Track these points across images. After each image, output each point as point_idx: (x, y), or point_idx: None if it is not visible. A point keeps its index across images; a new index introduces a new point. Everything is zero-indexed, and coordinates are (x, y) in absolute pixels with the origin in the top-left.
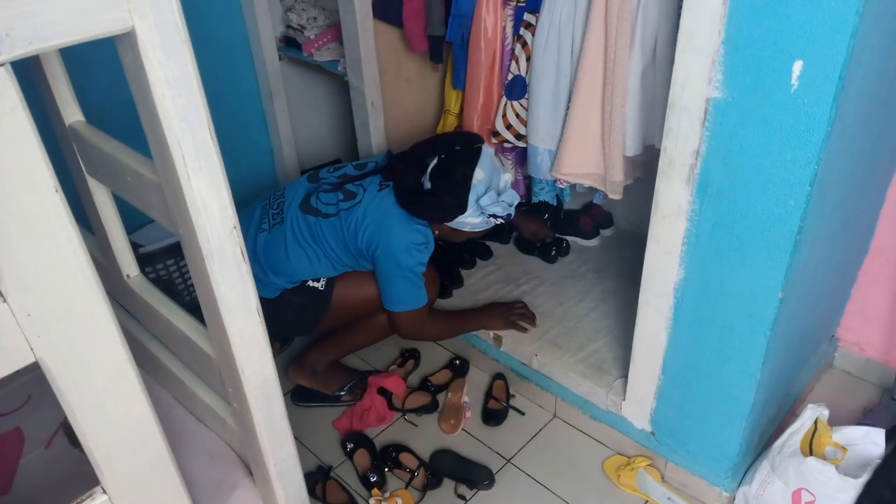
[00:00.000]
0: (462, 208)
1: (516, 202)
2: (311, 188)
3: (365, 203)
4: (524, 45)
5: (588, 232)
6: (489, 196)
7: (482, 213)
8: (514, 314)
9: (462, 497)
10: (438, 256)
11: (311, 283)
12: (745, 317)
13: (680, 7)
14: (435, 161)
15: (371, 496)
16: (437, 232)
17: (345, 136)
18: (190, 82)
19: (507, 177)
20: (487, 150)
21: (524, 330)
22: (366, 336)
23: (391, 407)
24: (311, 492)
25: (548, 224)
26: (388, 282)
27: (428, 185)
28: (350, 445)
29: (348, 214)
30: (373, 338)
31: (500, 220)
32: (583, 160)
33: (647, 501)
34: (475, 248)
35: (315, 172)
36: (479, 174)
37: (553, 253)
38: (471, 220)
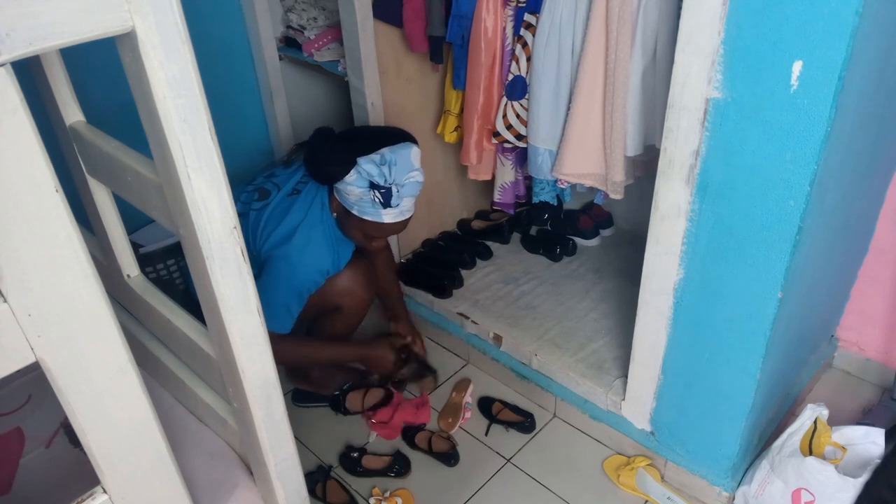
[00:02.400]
0: (345, 167)
1: (409, 194)
2: (239, 191)
3: (272, 205)
4: (524, 45)
5: (588, 232)
6: (369, 159)
7: (360, 174)
8: (399, 369)
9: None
10: (438, 256)
11: None
12: (745, 317)
13: (680, 7)
14: (354, 137)
15: (371, 495)
16: (338, 218)
17: None
18: (190, 82)
19: (414, 174)
20: (409, 145)
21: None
22: (342, 327)
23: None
24: (312, 491)
25: (408, 343)
26: (265, 290)
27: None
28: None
29: (257, 215)
30: (348, 326)
31: (378, 195)
32: (583, 160)
33: (646, 501)
34: (475, 248)
35: (254, 176)
36: (383, 151)
37: (559, 251)
38: (353, 189)
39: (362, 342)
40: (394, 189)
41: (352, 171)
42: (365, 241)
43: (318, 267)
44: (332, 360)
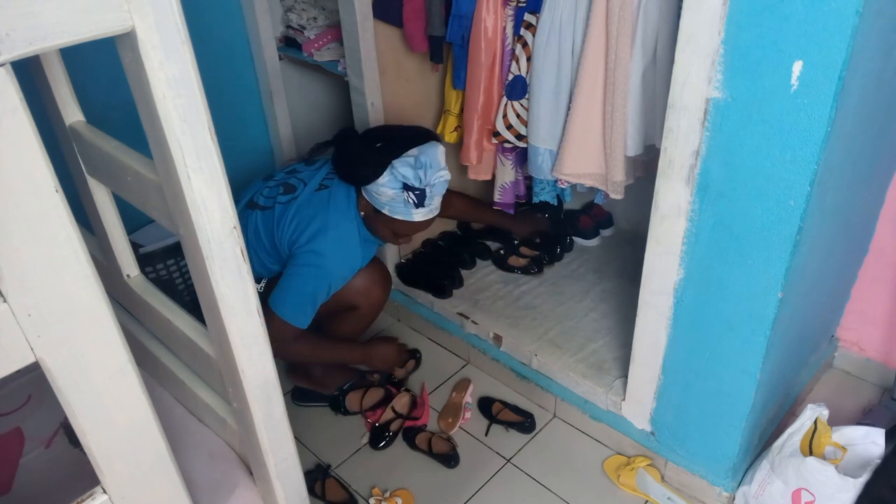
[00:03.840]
0: (379, 169)
1: (439, 192)
2: (260, 186)
3: (301, 199)
4: (524, 45)
5: (588, 232)
6: (404, 161)
7: (394, 176)
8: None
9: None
10: (439, 256)
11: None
12: (745, 317)
13: (680, 7)
14: (380, 137)
15: (371, 495)
16: (366, 217)
17: None
18: (190, 82)
19: (443, 173)
20: (435, 144)
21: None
22: (355, 325)
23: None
24: (311, 490)
25: (544, 216)
26: (292, 283)
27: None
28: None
29: (283, 208)
30: (361, 325)
31: (412, 196)
32: (584, 160)
33: (646, 501)
34: (475, 248)
35: (272, 173)
36: (412, 151)
37: (558, 250)
38: (385, 190)
39: (365, 345)
40: (427, 190)
41: (385, 174)
42: (392, 238)
43: (350, 264)
44: (339, 361)
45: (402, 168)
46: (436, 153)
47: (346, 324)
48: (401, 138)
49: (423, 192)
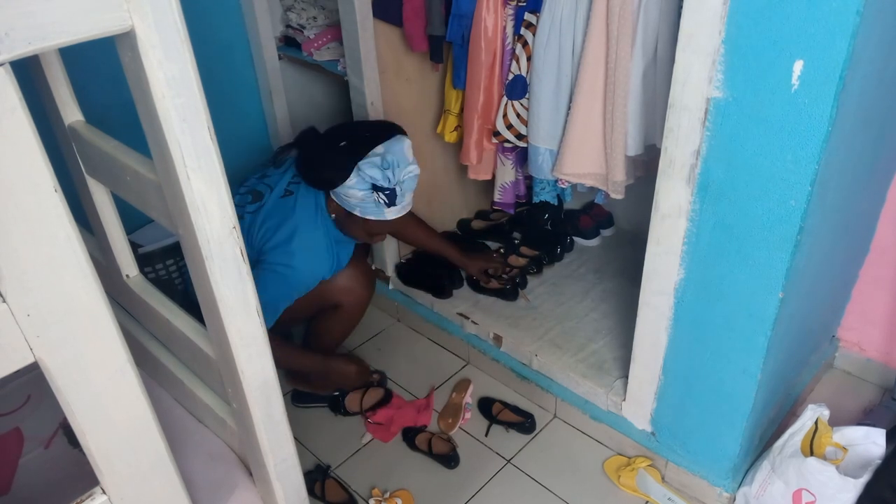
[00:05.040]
0: (344, 172)
1: (410, 189)
2: (234, 192)
3: (266, 208)
4: (525, 44)
5: (588, 232)
6: (370, 162)
7: (361, 178)
8: (358, 381)
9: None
10: (438, 257)
11: None
12: (746, 317)
13: (680, 7)
14: (343, 136)
15: (371, 496)
16: (337, 219)
17: None
18: (190, 82)
19: (411, 168)
20: (401, 138)
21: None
22: (341, 325)
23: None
24: (311, 491)
25: (498, 252)
26: (259, 286)
27: (325, 154)
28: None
29: (252, 218)
30: (347, 324)
31: (383, 196)
32: (584, 160)
33: (647, 502)
34: (475, 248)
35: (246, 176)
36: (378, 149)
37: (559, 250)
38: (354, 192)
39: (325, 357)
40: (397, 188)
41: (352, 175)
42: (367, 237)
43: (315, 272)
44: (299, 366)
45: (369, 170)
46: (402, 149)
47: (332, 323)
48: (365, 136)
49: (392, 191)
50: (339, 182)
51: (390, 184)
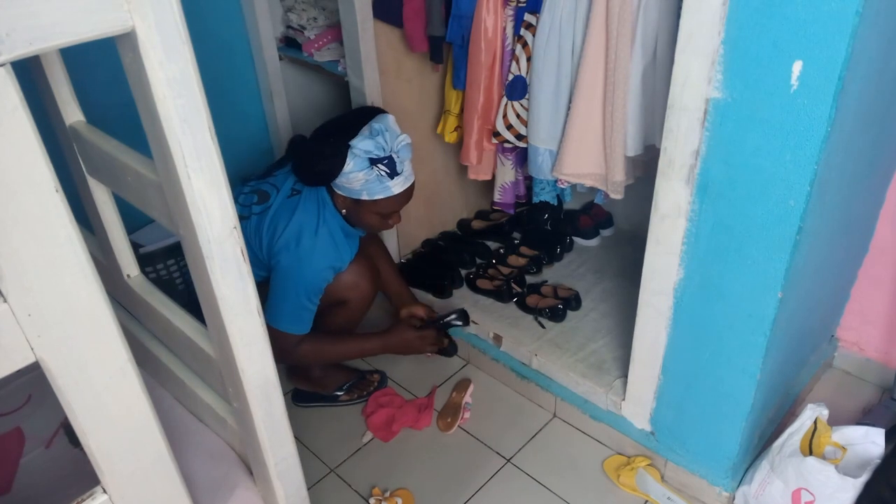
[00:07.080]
0: (340, 158)
1: (406, 156)
2: (237, 191)
3: (274, 208)
4: (525, 45)
5: (588, 232)
6: (359, 138)
7: (356, 157)
8: (426, 343)
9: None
10: (438, 256)
11: None
12: (745, 317)
13: (680, 7)
14: (329, 130)
15: (371, 495)
16: (347, 213)
17: None
18: (190, 83)
19: (402, 137)
20: (385, 115)
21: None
22: (346, 321)
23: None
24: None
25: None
26: (278, 293)
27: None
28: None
29: (259, 220)
30: (351, 320)
31: (383, 168)
32: (584, 160)
33: (646, 501)
34: (475, 248)
35: (248, 175)
36: (364, 130)
37: (558, 250)
38: (355, 175)
39: (381, 333)
40: (394, 156)
41: (348, 160)
42: (381, 223)
43: (327, 264)
44: (359, 355)
45: (362, 143)
46: (387, 120)
47: (337, 319)
48: (350, 122)
49: (391, 159)
50: (337, 171)
51: (385, 151)
